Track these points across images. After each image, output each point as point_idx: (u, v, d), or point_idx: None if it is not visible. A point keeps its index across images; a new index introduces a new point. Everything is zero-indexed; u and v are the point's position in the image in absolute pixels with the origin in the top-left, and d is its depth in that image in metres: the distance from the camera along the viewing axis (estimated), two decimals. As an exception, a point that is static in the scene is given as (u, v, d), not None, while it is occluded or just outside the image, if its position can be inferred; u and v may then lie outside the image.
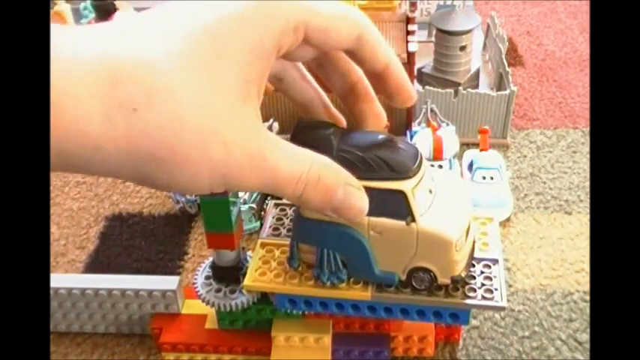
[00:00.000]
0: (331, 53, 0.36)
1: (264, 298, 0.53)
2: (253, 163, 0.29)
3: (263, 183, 0.30)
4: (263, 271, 0.49)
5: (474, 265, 0.48)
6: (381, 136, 0.44)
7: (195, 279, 0.55)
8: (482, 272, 0.48)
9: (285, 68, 0.37)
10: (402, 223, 0.43)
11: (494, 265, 0.48)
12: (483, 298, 0.46)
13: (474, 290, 0.47)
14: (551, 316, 0.61)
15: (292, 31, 0.30)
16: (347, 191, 0.33)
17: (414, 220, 0.43)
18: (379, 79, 0.36)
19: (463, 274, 0.45)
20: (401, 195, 0.42)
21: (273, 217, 0.54)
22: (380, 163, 0.42)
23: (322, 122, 0.44)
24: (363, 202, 0.34)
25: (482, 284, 0.47)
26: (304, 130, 0.44)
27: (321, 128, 0.44)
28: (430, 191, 0.44)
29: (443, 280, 0.45)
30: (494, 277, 0.47)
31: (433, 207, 0.44)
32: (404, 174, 0.42)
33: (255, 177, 0.30)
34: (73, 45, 0.27)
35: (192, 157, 0.27)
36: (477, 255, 0.49)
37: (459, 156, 0.77)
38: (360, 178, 0.42)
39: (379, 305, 0.48)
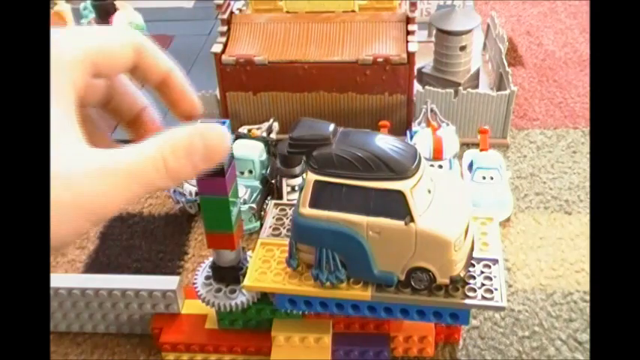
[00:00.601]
0: (116, 87, 0.37)
1: (264, 298, 0.53)
2: (106, 182, 0.28)
3: (127, 190, 0.29)
4: (263, 271, 0.49)
5: (473, 265, 0.48)
6: (379, 137, 0.44)
7: (195, 279, 0.55)
8: (482, 272, 0.48)
9: (110, 87, 0.37)
10: (401, 223, 0.43)
11: (494, 265, 0.48)
12: (483, 298, 0.46)
13: (474, 290, 0.47)
14: (551, 316, 0.61)
15: (79, 64, 0.31)
16: (205, 140, 0.32)
17: (412, 220, 0.43)
18: (163, 89, 0.37)
19: (462, 274, 0.45)
20: (399, 195, 0.42)
21: (273, 217, 0.54)
22: (378, 163, 0.42)
23: (322, 121, 0.44)
24: (222, 137, 0.33)
25: (482, 284, 0.47)
26: (303, 129, 0.44)
27: (320, 127, 0.44)
28: (429, 191, 0.44)
29: (442, 279, 0.45)
30: (494, 277, 0.47)
31: (432, 207, 0.44)
32: (402, 174, 0.42)
33: (115, 190, 0.29)
34: None
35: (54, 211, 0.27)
36: (476, 255, 0.49)
37: (459, 156, 0.77)
38: (358, 178, 0.42)
39: (379, 305, 0.48)
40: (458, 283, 0.46)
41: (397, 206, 0.42)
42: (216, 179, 0.44)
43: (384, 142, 0.44)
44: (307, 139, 0.43)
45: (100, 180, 0.28)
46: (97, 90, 0.36)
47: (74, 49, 0.31)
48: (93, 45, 0.32)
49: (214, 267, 0.53)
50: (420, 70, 0.90)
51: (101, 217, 0.29)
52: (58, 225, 0.27)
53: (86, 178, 0.28)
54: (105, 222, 0.74)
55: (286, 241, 0.49)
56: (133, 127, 0.38)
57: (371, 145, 0.43)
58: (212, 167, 0.33)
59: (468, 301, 0.46)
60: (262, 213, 0.71)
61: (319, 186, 0.44)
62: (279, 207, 0.55)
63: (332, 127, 0.44)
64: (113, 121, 0.38)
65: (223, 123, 0.38)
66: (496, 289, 0.46)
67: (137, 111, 0.38)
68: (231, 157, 0.45)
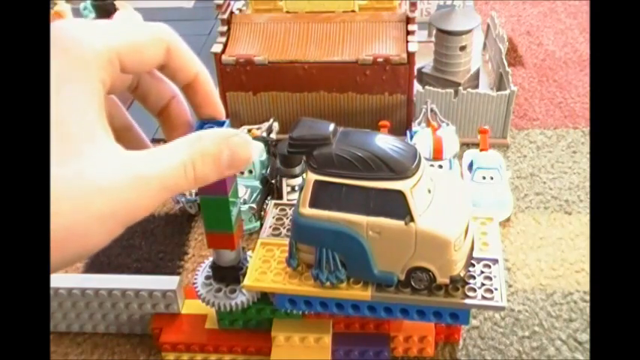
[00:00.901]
0: (145, 75, 0.37)
1: (264, 297, 0.53)
2: (139, 190, 0.29)
3: (157, 198, 0.30)
4: (263, 271, 0.49)
5: (473, 265, 0.48)
6: (379, 136, 0.44)
7: (196, 279, 0.55)
8: (482, 272, 0.48)
9: (140, 78, 0.37)
10: (401, 223, 0.43)
11: (494, 264, 0.48)
12: (483, 298, 0.46)
13: (474, 290, 0.47)
14: (551, 316, 0.61)
15: (108, 63, 0.30)
16: (231, 147, 0.33)
17: (412, 219, 0.43)
18: (189, 90, 0.37)
19: (462, 274, 0.45)
20: (400, 195, 0.42)
21: (274, 217, 0.54)
22: (378, 162, 0.42)
23: (322, 121, 0.44)
24: (247, 146, 0.34)
25: (482, 284, 0.47)
26: (303, 129, 0.44)
27: (320, 127, 0.44)
28: (429, 191, 0.44)
29: (442, 279, 0.45)
30: (494, 276, 0.47)
31: (432, 207, 0.44)
32: (403, 174, 0.42)
33: (147, 199, 0.30)
34: None
35: (76, 222, 0.27)
36: (476, 255, 0.49)
37: (459, 156, 0.77)
38: (358, 177, 0.42)
39: (379, 305, 0.48)
40: (458, 283, 0.46)
41: (397, 206, 0.42)
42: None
43: (384, 141, 0.43)
44: (307, 139, 0.43)
45: (136, 189, 0.29)
46: (124, 78, 0.35)
47: (101, 45, 0.30)
48: (123, 41, 0.31)
49: (214, 267, 0.53)
50: (420, 70, 0.90)
51: (133, 221, 0.30)
52: (98, 234, 0.28)
53: (124, 188, 0.29)
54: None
55: (286, 241, 0.49)
56: (162, 116, 0.38)
57: (371, 144, 0.43)
58: (236, 172, 0.34)
59: (467, 301, 0.46)
60: (262, 213, 0.71)
61: (319, 186, 0.44)
62: (279, 207, 0.55)
63: (332, 126, 0.44)
64: (128, 100, 0.39)
65: (222, 123, 0.38)
66: (496, 289, 0.46)
67: (166, 100, 0.38)
68: None
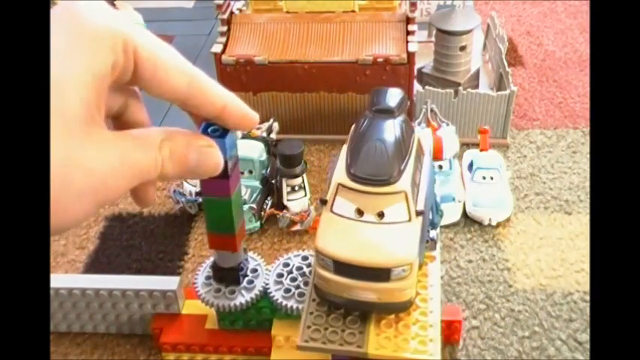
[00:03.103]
0: (131, 104, 0.36)
1: (264, 297, 0.53)
2: (116, 172, 0.30)
3: (131, 182, 0.31)
4: (419, 341, 0.45)
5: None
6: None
7: (196, 279, 0.55)
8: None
9: (127, 103, 0.36)
10: None
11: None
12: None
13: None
14: (551, 316, 0.61)
15: (122, 49, 0.30)
16: (200, 152, 0.33)
17: None
18: (218, 120, 0.36)
19: None
20: None
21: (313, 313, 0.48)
22: None
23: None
24: (217, 158, 0.34)
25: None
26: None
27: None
28: None
29: None
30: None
31: None
32: None
33: (123, 181, 0.30)
34: None
35: (56, 196, 0.27)
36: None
37: (459, 156, 0.77)
38: None
39: None
40: None
41: None
42: (219, 181, 0.44)
43: None
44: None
45: (117, 176, 0.30)
46: (115, 101, 0.35)
47: (121, 31, 0.30)
48: (144, 40, 0.31)
49: (215, 267, 0.53)
50: (420, 70, 0.90)
51: (108, 202, 0.30)
52: (76, 211, 0.29)
53: (105, 170, 0.29)
54: (105, 221, 0.74)
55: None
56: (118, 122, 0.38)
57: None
58: (200, 178, 0.35)
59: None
60: (262, 213, 0.71)
61: None
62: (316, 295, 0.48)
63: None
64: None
65: (225, 135, 0.37)
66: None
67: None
68: (236, 159, 0.45)
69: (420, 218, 0.44)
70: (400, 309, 0.45)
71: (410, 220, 0.44)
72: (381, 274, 0.43)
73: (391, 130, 0.45)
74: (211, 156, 0.34)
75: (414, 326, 0.46)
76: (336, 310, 0.47)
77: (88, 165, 0.28)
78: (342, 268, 0.44)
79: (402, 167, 0.44)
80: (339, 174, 0.44)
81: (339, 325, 0.46)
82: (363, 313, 0.46)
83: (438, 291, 0.48)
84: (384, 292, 0.44)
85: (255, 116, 0.37)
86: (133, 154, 0.30)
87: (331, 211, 0.45)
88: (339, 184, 0.44)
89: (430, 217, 0.48)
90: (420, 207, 0.44)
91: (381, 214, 0.44)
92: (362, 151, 0.44)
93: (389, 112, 0.46)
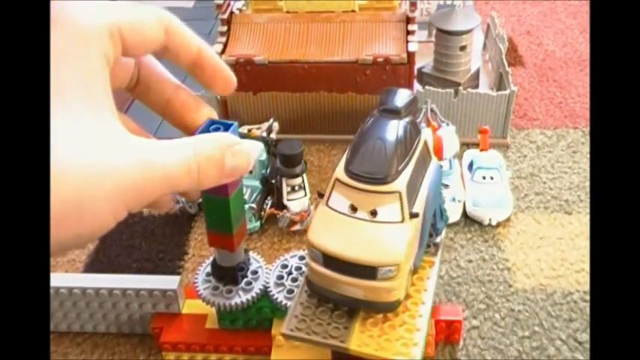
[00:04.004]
0: (144, 70, 0.36)
1: (264, 296, 0.53)
2: (145, 176, 0.29)
3: (160, 188, 0.30)
4: (402, 343, 0.45)
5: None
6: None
7: (196, 278, 0.55)
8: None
9: (138, 67, 0.37)
10: None
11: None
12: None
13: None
14: (551, 316, 0.61)
15: (109, 36, 0.30)
16: (234, 153, 0.33)
17: None
18: (195, 69, 0.36)
19: None
20: None
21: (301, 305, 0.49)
22: None
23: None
24: (248, 155, 0.35)
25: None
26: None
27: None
28: None
29: None
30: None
31: None
32: None
33: (152, 186, 0.30)
34: None
35: (85, 199, 0.27)
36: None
37: (459, 156, 0.77)
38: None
39: None
40: None
41: None
42: None
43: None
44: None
45: (145, 179, 0.29)
46: (124, 71, 0.35)
47: (102, 21, 0.30)
48: (123, 18, 0.31)
49: (214, 265, 0.53)
50: (420, 70, 0.90)
51: (139, 205, 0.30)
52: (105, 213, 0.28)
53: (134, 175, 0.29)
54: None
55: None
56: (169, 109, 0.38)
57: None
58: (235, 179, 0.35)
59: None
60: (262, 213, 0.71)
61: None
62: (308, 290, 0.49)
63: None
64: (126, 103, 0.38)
65: (230, 125, 0.38)
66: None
67: (170, 92, 0.37)
68: None
69: (415, 221, 0.44)
70: (386, 309, 0.46)
71: (403, 221, 0.44)
72: (367, 271, 0.43)
73: (394, 130, 0.45)
74: (245, 156, 0.34)
75: (400, 328, 0.46)
76: (326, 303, 0.47)
77: (111, 166, 0.28)
78: (331, 261, 0.44)
79: (400, 168, 0.44)
80: (338, 169, 0.45)
81: (325, 318, 0.47)
82: (351, 310, 0.47)
83: (430, 296, 0.48)
84: (370, 290, 0.44)
85: (231, 74, 0.37)
86: (161, 161, 0.30)
87: (327, 205, 0.45)
88: (337, 179, 0.45)
89: (434, 221, 0.49)
90: (416, 209, 0.44)
91: (374, 212, 0.44)
92: (361, 149, 0.45)
93: (395, 113, 0.46)
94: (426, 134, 0.48)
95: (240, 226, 0.49)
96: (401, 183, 0.43)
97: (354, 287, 0.44)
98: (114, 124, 0.29)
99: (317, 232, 0.45)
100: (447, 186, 0.70)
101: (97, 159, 0.28)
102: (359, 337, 0.45)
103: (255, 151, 0.35)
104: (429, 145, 0.49)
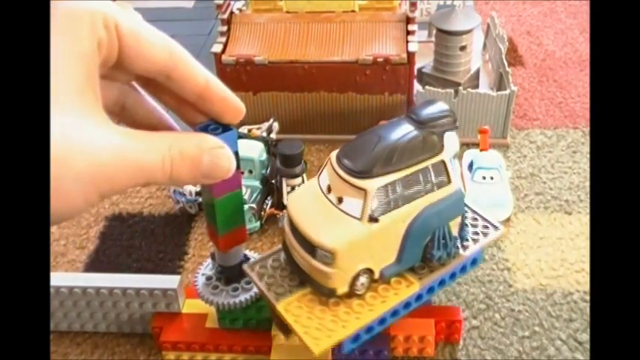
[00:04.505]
0: (130, 94, 0.36)
1: (264, 296, 0.53)
2: (117, 161, 0.29)
3: (132, 177, 0.30)
4: (317, 328, 0.46)
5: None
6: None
7: (196, 278, 0.55)
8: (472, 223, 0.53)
9: (125, 93, 0.36)
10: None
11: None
12: (484, 235, 0.52)
13: (477, 234, 0.53)
14: (551, 316, 0.61)
15: (103, 26, 0.30)
16: (212, 155, 0.33)
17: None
18: (203, 102, 0.35)
19: None
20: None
21: (265, 276, 0.50)
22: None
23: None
24: (229, 160, 0.34)
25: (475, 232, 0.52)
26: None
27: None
28: None
29: None
30: (477, 219, 0.54)
31: None
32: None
33: (124, 174, 0.29)
34: None
35: (55, 176, 0.27)
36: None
37: (459, 156, 0.77)
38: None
39: (424, 290, 0.50)
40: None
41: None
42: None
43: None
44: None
45: (119, 168, 0.29)
46: (111, 92, 0.34)
47: (98, 8, 0.30)
48: (123, 18, 0.31)
49: (221, 270, 0.53)
50: (420, 70, 0.90)
51: (110, 193, 0.30)
52: (76, 196, 0.28)
53: (109, 163, 0.29)
54: (105, 221, 0.75)
55: (302, 290, 0.48)
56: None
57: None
58: (212, 182, 0.34)
59: (479, 244, 0.52)
60: (262, 213, 0.71)
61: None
62: (258, 265, 0.51)
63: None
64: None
65: (228, 129, 0.37)
66: (486, 227, 0.53)
67: (154, 122, 0.37)
68: (236, 153, 0.44)
69: (375, 226, 0.44)
70: (321, 291, 0.47)
71: (361, 219, 0.44)
72: (310, 248, 0.45)
73: (401, 135, 0.44)
74: (224, 160, 0.34)
75: (328, 319, 0.46)
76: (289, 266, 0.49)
77: (85, 146, 0.28)
78: (294, 228, 0.46)
79: (382, 170, 0.44)
80: (337, 150, 0.46)
81: (281, 275, 0.49)
82: (303, 281, 0.48)
83: (384, 311, 0.48)
84: (311, 267, 0.46)
85: (240, 103, 0.37)
86: (135, 150, 0.30)
87: (317, 178, 0.47)
88: (329, 158, 0.46)
89: (431, 247, 0.48)
90: (390, 219, 0.44)
91: (340, 200, 0.45)
92: (361, 139, 0.46)
93: (416, 121, 0.46)
94: (447, 155, 0.46)
95: (233, 231, 0.46)
96: (372, 184, 0.43)
97: (302, 260, 0.46)
98: (94, 109, 0.29)
99: (293, 198, 0.48)
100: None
101: (70, 139, 0.27)
102: (291, 304, 0.47)
103: (231, 159, 0.35)
104: (447, 167, 0.46)
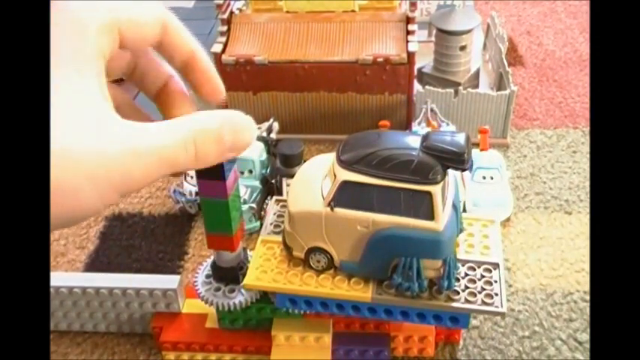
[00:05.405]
0: (141, 57, 0.37)
1: (264, 297, 0.53)
2: (129, 155, 0.29)
3: (152, 168, 0.29)
4: (264, 270, 0.49)
5: (474, 269, 0.48)
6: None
7: (196, 278, 0.55)
8: (482, 276, 0.48)
9: (136, 60, 0.37)
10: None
11: (494, 269, 0.49)
12: (483, 303, 0.46)
13: (474, 295, 0.47)
14: (551, 316, 0.61)
15: (107, 31, 0.31)
16: (233, 125, 0.33)
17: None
18: (187, 70, 0.36)
19: None
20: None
21: (275, 214, 0.54)
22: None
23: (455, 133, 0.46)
24: (250, 130, 0.34)
25: (483, 289, 0.47)
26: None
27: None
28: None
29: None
30: (495, 281, 0.47)
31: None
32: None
33: (140, 166, 0.29)
34: None
35: (61, 177, 0.27)
36: (477, 258, 0.49)
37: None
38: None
39: (379, 307, 0.48)
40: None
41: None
42: (216, 183, 0.44)
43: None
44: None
45: (133, 160, 0.29)
46: (122, 60, 0.35)
47: (102, 15, 0.30)
48: (123, 14, 0.32)
49: (215, 267, 0.53)
50: (420, 70, 0.90)
51: (130, 190, 0.30)
52: (90, 196, 0.28)
53: (120, 156, 0.28)
54: (105, 221, 0.75)
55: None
56: (160, 99, 0.38)
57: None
58: (237, 155, 0.34)
59: (468, 306, 0.46)
60: (262, 213, 0.71)
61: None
62: (280, 203, 0.55)
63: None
64: (135, 89, 0.38)
65: None
66: (496, 294, 0.46)
67: (163, 81, 0.37)
68: (233, 160, 0.45)
69: (332, 213, 0.45)
70: (284, 246, 0.50)
71: (324, 201, 0.45)
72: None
73: (398, 146, 0.44)
74: (246, 128, 0.34)
75: (286, 268, 0.49)
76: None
77: (90, 144, 0.28)
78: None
79: (361, 168, 0.43)
80: None
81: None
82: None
83: (330, 298, 0.49)
84: (285, 223, 0.49)
85: (220, 84, 0.37)
86: (148, 140, 0.29)
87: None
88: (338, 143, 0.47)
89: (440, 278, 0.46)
90: (336, 205, 0.45)
91: (324, 177, 0.47)
92: (369, 133, 0.46)
93: (423, 142, 0.44)
94: (435, 193, 0.43)
95: (240, 225, 0.49)
96: (342, 175, 0.44)
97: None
98: (105, 110, 0.29)
99: (297, 175, 0.50)
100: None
101: (81, 140, 0.27)
102: (268, 243, 0.51)
103: (251, 126, 0.35)
104: (434, 202, 0.43)
